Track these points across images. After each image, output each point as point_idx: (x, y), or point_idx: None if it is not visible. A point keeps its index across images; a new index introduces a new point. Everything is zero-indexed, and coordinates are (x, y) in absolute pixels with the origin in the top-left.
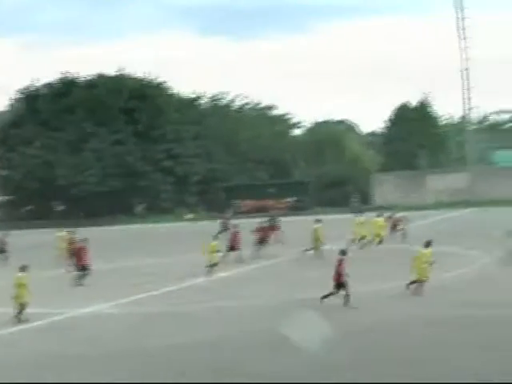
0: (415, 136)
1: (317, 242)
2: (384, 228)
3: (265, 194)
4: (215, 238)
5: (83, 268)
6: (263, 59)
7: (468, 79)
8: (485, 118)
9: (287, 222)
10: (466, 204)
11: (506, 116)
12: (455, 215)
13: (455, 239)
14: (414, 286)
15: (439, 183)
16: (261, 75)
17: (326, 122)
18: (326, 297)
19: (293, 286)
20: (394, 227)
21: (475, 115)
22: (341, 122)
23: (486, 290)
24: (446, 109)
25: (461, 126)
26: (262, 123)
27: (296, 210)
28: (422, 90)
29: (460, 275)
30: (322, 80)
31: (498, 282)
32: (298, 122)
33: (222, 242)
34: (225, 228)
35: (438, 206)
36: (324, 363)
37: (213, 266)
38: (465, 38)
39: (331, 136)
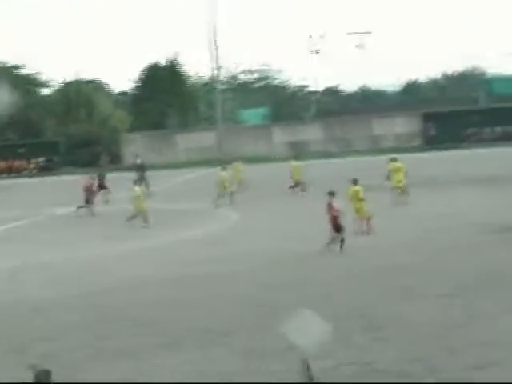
0: (165, 95)
1: (223, 189)
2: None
3: (14, 154)
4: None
5: None
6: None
7: (216, 38)
8: (233, 77)
9: (37, 184)
10: (216, 162)
11: (252, 76)
12: (206, 173)
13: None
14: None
15: (189, 142)
16: (8, 34)
17: (75, 82)
18: (330, 243)
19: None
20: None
21: (224, 75)
22: (91, 82)
23: (227, 247)
24: (196, 68)
25: (210, 85)
26: (9, 82)
27: (46, 170)
28: (172, 49)
29: (208, 232)
30: (73, 39)
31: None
32: (47, 81)
33: None
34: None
35: (189, 164)
36: (60, 323)
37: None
38: None
39: (81, 95)
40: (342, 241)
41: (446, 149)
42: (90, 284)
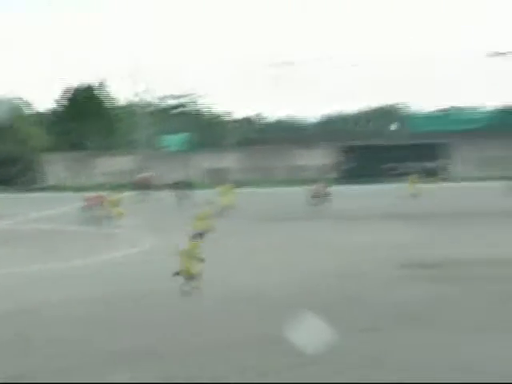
0: (86, 117)
1: None
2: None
3: None
4: None
5: None
6: None
7: (138, 63)
8: (155, 102)
9: None
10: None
11: (173, 101)
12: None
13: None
14: None
15: (108, 165)
16: None
17: None
18: None
19: None
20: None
21: (146, 99)
22: (12, 100)
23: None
24: (119, 92)
25: (131, 109)
26: None
27: None
28: (96, 72)
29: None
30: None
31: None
32: None
33: None
34: None
35: (104, 187)
36: None
37: None
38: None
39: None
40: None
41: (364, 182)
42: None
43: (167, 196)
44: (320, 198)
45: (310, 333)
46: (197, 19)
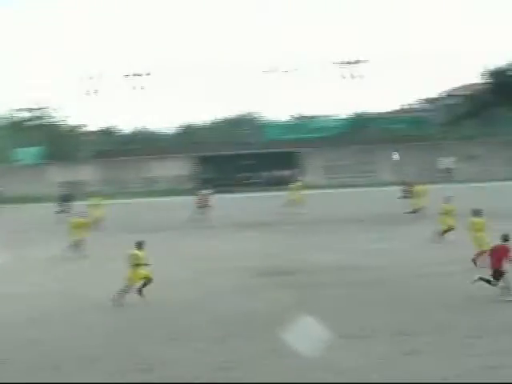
0: None
1: None
2: None
3: None
4: None
5: None
6: None
7: None
8: (7, 115)
9: None
10: None
11: (27, 114)
12: None
13: None
14: None
15: None
16: None
17: None
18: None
19: None
20: None
21: None
22: None
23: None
24: None
25: None
26: None
27: None
28: None
29: None
30: None
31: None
32: None
33: None
34: None
35: None
36: None
37: None
38: None
39: None
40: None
41: (219, 192)
42: None
43: (23, 209)
44: (203, 207)
45: None
46: (48, 30)
